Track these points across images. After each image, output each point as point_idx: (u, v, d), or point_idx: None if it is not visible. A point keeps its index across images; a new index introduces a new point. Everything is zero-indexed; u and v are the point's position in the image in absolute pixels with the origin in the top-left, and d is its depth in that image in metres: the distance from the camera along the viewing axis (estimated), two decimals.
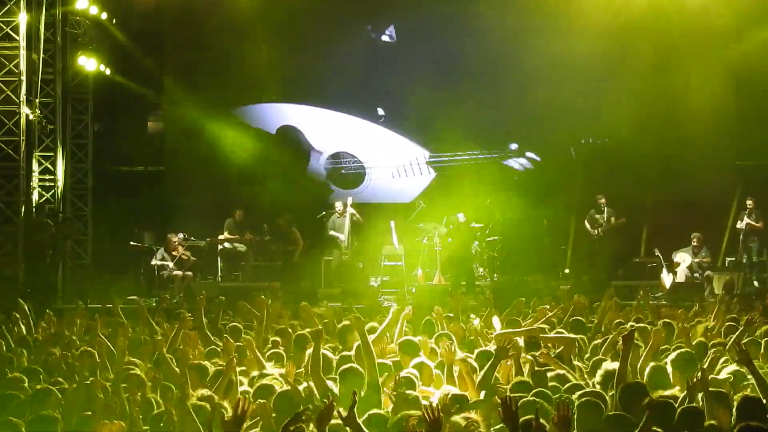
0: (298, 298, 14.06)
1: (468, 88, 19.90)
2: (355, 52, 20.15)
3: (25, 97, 16.84)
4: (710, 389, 5.99)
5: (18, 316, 10.48)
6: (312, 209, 19.20)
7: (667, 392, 6.33)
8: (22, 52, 16.70)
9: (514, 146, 20.59)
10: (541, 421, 5.11)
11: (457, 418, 5.53)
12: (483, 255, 18.73)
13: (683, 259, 17.11)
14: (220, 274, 18.20)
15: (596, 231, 18.38)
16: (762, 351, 7.97)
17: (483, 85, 19.93)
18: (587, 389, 6.47)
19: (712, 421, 5.73)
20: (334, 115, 20.50)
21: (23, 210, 16.75)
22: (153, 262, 17.20)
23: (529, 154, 20.56)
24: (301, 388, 6.69)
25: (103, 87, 19.87)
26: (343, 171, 20.50)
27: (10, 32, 16.72)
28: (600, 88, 20.04)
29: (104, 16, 18.95)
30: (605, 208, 18.45)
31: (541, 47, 19.40)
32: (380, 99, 20.37)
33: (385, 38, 20.56)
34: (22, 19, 16.70)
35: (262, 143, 20.28)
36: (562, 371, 7.21)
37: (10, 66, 16.73)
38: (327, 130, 20.51)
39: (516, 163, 20.62)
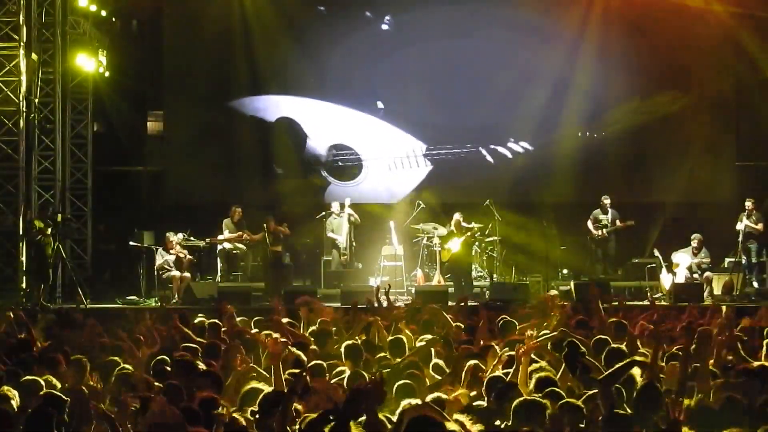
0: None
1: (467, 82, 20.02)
2: (353, 44, 20.15)
3: (24, 97, 16.85)
4: None
5: None
6: (310, 207, 19.23)
7: None
8: (22, 52, 16.71)
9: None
10: None
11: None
12: (482, 255, 18.69)
13: (682, 259, 17.07)
14: (219, 274, 18.19)
15: (599, 232, 18.29)
16: None
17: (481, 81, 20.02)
18: None
19: None
20: (331, 107, 20.49)
21: (23, 210, 16.75)
22: (158, 262, 17.07)
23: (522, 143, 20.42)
24: None
25: (102, 87, 19.86)
26: (340, 163, 20.51)
27: (10, 32, 16.73)
28: (599, 87, 20.09)
29: (103, 15, 19.01)
30: (610, 210, 18.38)
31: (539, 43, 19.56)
32: (378, 91, 20.36)
33: (384, 27, 20.52)
34: (22, 19, 16.70)
35: (260, 135, 20.28)
36: None
37: (10, 66, 16.74)
38: (324, 122, 20.51)
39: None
